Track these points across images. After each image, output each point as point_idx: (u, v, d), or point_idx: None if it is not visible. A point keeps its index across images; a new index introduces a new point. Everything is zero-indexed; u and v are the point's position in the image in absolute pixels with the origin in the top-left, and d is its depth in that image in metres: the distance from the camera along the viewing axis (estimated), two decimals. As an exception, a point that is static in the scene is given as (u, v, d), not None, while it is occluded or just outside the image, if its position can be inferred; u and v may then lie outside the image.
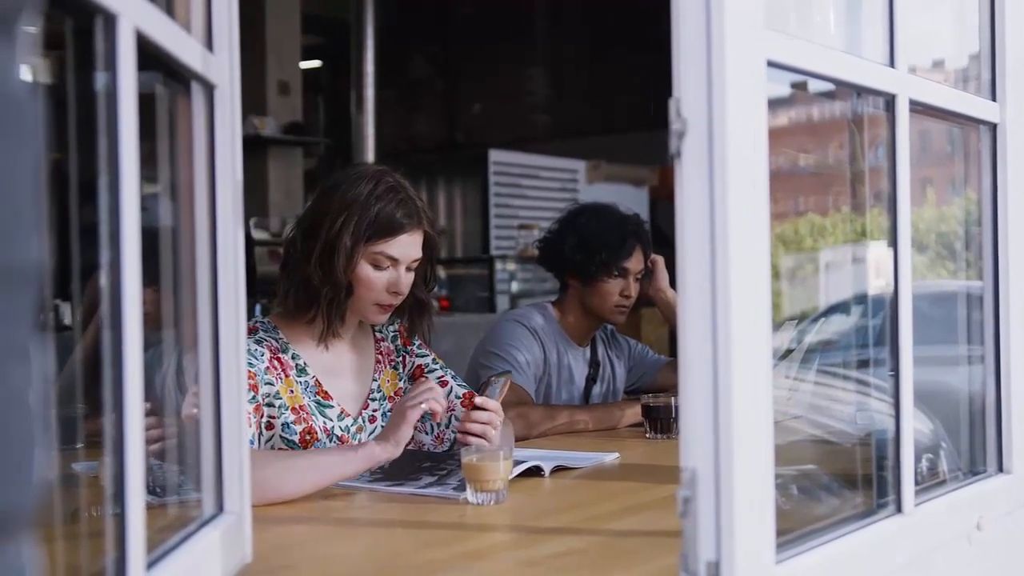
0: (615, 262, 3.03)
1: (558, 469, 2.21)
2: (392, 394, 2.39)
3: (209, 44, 1.38)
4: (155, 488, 1.38)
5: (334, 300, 2.21)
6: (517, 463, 2.06)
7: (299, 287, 2.22)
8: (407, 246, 2.24)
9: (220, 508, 1.40)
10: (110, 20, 1.01)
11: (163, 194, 1.39)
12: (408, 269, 2.26)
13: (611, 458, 2.38)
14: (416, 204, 2.27)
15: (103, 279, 1.03)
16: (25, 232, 0.58)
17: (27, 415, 0.58)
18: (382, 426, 2.32)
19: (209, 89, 1.38)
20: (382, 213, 2.20)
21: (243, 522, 1.44)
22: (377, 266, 2.22)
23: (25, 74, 0.60)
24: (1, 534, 0.57)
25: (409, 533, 1.75)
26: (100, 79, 1.04)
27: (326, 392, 2.26)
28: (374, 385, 2.37)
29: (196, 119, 1.38)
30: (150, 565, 1.11)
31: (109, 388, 1.03)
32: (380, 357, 2.41)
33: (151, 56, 1.14)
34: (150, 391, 1.10)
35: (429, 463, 2.15)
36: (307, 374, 2.25)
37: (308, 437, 2.19)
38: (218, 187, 1.39)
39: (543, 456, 2.22)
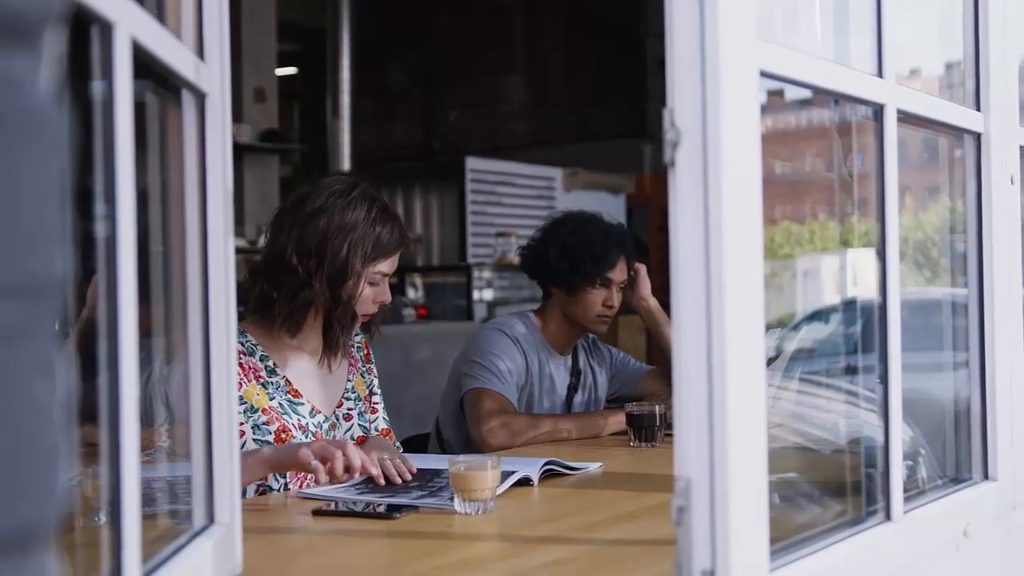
0: (599, 272, 3.02)
1: (548, 474, 2.21)
2: (363, 397, 2.49)
3: (200, 52, 1.37)
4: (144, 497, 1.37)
5: (345, 322, 2.31)
6: (506, 474, 2.06)
7: (304, 308, 2.30)
8: (396, 261, 2.38)
9: (211, 519, 1.39)
10: (106, 28, 1.01)
11: (152, 202, 1.39)
12: (390, 279, 2.39)
13: (595, 467, 2.38)
14: (401, 221, 2.41)
15: (100, 288, 1.02)
16: (50, 244, 0.57)
17: (52, 428, 0.58)
18: (359, 424, 2.44)
19: (200, 98, 1.37)
20: (383, 236, 2.32)
21: (234, 533, 1.43)
22: (372, 283, 2.34)
23: (49, 85, 0.59)
24: (29, 546, 0.56)
25: (398, 543, 1.74)
26: (96, 87, 1.03)
27: (296, 391, 2.33)
28: (348, 385, 2.46)
29: (187, 127, 1.37)
30: (144, 577, 1.11)
31: (105, 398, 1.02)
32: (352, 360, 2.50)
33: (144, 64, 1.14)
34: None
35: (418, 481, 2.14)
36: (277, 375, 2.32)
37: (284, 435, 2.26)
38: (209, 196, 1.39)
39: (529, 464, 2.22)
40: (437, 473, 2.20)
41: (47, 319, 0.58)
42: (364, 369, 2.53)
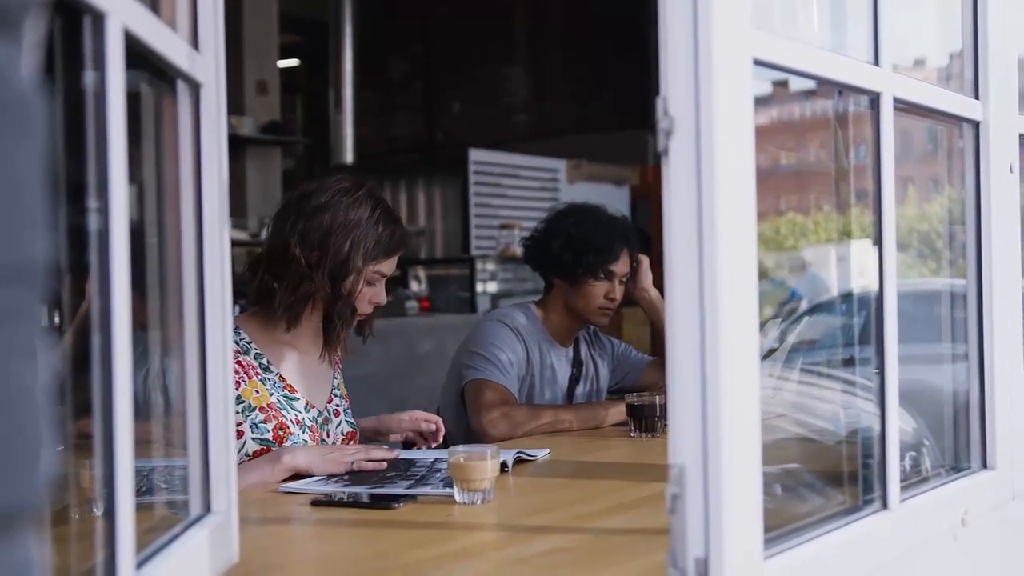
0: (602, 265, 3.02)
1: (519, 461, 2.27)
2: (345, 396, 2.53)
3: (195, 43, 1.37)
4: (140, 488, 1.37)
5: (344, 316, 2.33)
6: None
7: (303, 300, 2.31)
8: (395, 263, 2.40)
9: (207, 508, 1.39)
10: (98, 19, 1.01)
11: (147, 194, 1.39)
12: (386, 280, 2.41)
13: (543, 453, 2.41)
14: (403, 224, 2.43)
15: (92, 281, 1.02)
16: (33, 230, 0.58)
17: (35, 412, 0.58)
18: (346, 420, 2.48)
19: (195, 88, 1.37)
20: (384, 236, 2.34)
21: (230, 522, 1.43)
22: (370, 283, 2.35)
23: (30, 73, 0.60)
24: (10, 529, 0.57)
25: (396, 533, 1.74)
26: (88, 78, 1.03)
27: (291, 386, 2.36)
28: (335, 383, 2.49)
29: (182, 118, 1.37)
30: (139, 565, 1.11)
31: (98, 390, 1.02)
32: (336, 360, 2.53)
33: (137, 55, 1.14)
34: (133, 392, 1.09)
35: (393, 472, 2.15)
36: (272, 372, 2.34)
37: (281, 433, 2.28)
38: (204, 187, 1.39)
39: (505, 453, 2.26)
40: (412, 463, 2.23)
41: (30, 304, 0.58)
42: (341, 370, 2.58)
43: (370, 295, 2.36)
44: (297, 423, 2.31)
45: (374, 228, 2.32)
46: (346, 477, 2.11)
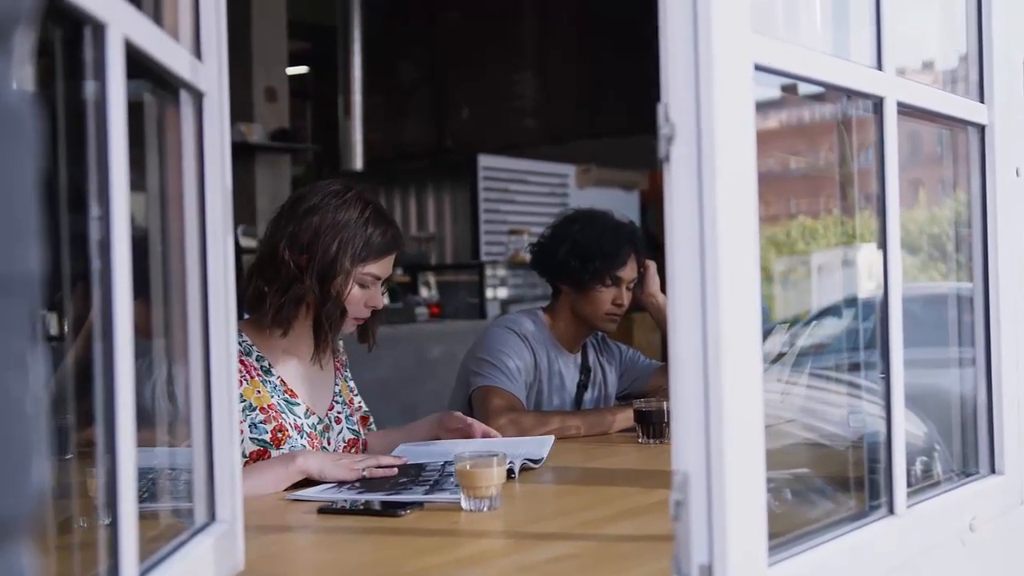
0: (609, 271, 3.02)
1: (524, 469, 2.26)
2: (348, 401, 2.52)
3: (197, 52, 1.38)
4: (144, 495, 1.38)
5: (332, 318, 2.33)
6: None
7: (293, 303, 2.31)
8: (389, 265, 2.39)
9: (212, 517, 1.40)
10: (99, 29, 1.01)
11: (151, 203, 1.39)
12: (383, 284, 2.40)
13: (547, 445, 2.43)
14: (397, 226, 2.43)
15: (94, 289, 1.03)
16: (24, 241, 0.58)
17: (25, 423, 0.58)
18: (348, 428, 2.48)
19: (198, 97, 1.37)
20: (374, 237, 2.33)
21: (235, 531, 1.43)
22: (362, 285, 2.35)
23: (22, 84, 0.60)
24: (3, 539, 0.57)
25: (402, 540, 1.74)
26: (89, 88, 1.04)
27: (292, 391, 2.36)
28: (336, 389, 2.50)
29: (185, 127, 1.37)
30: (142, 574, 1.11)
31: (101, 398, 1.03)
32: (338, 366, 2.54)
33: (139, 64, 1.14)
34: (140, 401, 1.10)
35: (405, 479, 2.14)
36: (273, 375, 2.35)
37: (280, 435, 2.29)
38: (207, 195, 1.39)
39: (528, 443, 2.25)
40: (422, 468, 2.23)
41: (22, 315, 0.58)
42: (346, 375, 2.57)
43: (364, 298, 2.35)
44: (296, 428, 2.31)
45: (363, 229, 2.31)
46: (358, 484, 2.11)
